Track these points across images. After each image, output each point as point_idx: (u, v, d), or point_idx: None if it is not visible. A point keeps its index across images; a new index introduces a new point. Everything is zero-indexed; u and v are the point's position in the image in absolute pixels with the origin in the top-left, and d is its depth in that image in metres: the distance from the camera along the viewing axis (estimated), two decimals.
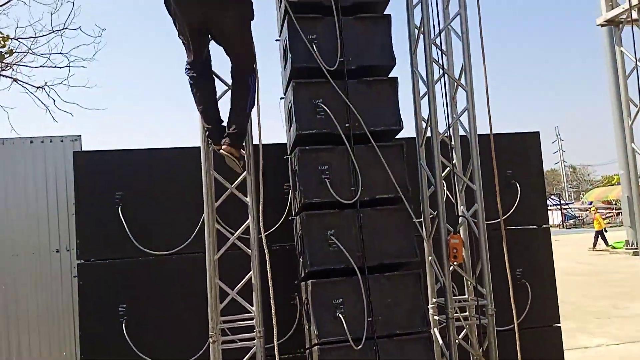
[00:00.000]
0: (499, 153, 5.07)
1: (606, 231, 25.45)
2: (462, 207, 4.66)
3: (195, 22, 3.56)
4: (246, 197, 4.09)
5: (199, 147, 4.15)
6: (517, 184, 5.42)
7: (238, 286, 4.00)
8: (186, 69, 3.86)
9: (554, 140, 68.15)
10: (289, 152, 4.61)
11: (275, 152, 4.79)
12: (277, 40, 4.75)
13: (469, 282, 4.68)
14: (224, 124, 3.94)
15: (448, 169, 4.66)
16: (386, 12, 4.46)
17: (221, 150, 3.81)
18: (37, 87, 10.32)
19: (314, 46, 4.13)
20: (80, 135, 5.27)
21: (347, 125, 4.10)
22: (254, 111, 4.00)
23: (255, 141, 4.10)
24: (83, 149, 5.40)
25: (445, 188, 4.64)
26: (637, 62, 5.36)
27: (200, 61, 3.84)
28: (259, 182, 3.99)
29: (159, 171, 4.73)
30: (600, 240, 24.50)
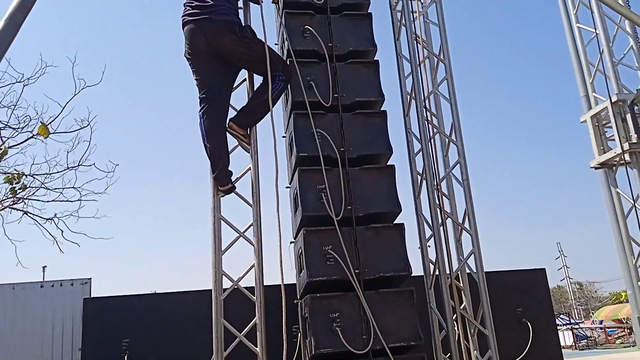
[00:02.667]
0: (507, 291, 5.05)
1: None
2: (475, 351, 4.57)
3: (202, 47, 4.13)
4: (255, 346, 4.03)
5: (208, 291, 4.18)
6: (529, 323, 5.37)
7: None
8: (200, 104, 4.21)
9: (557, 257, 67.47)
10: (298, 297, 4.62)
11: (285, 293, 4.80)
12: (287, 187, 4.99)
13: None
14: (231, 168, 4.26)
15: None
16: (390, 162, 4.72)
17: (227, 127, 4.20)
18: (47, 219, 10.50)
19: (323, 196, 4.33)
20: (90, 278, 5.31)
21: (356, 271, 4.16)
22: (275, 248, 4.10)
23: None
24: (93, 290, 5.41)
25: (456, 329, 4.60)
26: (635, 204, 5.56)
27: (212, 93, 4.19)
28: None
29: (167, 316, 4.72)
30: None
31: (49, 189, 11.18)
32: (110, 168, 10.58)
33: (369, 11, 5.02)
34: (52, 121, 10.58)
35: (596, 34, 6.16)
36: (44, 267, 20.95)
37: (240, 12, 4.51)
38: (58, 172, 11.28)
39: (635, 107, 5.60)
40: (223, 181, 4.24)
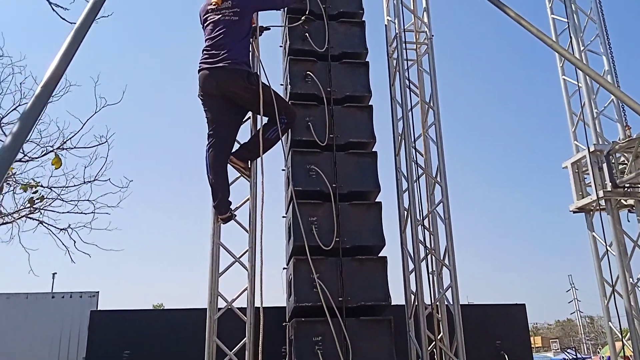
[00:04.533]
0: (487, 324, 5.36)
1: None
2: None
3: (214, 90, 4.59)
4: None
5: (204, 309, 4.58)
6: (507, 356, 5.66)
7: None
8: (208, 139, 4.65)
9: (568, 289, 66.23)
10: (287, 320, 4.99)
11: (275, 315, 5.18)
12: (283, 217, 5.40)
13: None
14: (231, 198, 4.66)
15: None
16: (378, 199, 5.11)
17: (229, 160, 4.64)
18: (61, 229, 11.00)
19: (314, 227, 4.73)
20: (98, 292, 5.73)
21: (340, 299, 4.53)
22: (257, 273, 4.47)
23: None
24: (100, 302, 5.84)
25: (435, 358, 4.92)
26: (608, 247, 5.87)
27: (219, 130, 4.63)
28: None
29: (165, 331, 5.11)
30: None
31: (64, 201, 11.73)
32: (125, 183, 11.12)
33: (366, 60, 5.48)
34: (72, 136, 11.16)
35: (579, 87, 6.57)
36: (54, 274, 21.46)
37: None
38: (74, 185, 11.84)
39: (612, 157, 5.97)
40: (222, 210, 4.66)
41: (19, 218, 11.01)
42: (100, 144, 11.21)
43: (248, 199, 4.87)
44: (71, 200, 11.81)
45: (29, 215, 11.49)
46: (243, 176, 4.90)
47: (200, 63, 4.71)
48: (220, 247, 4.69)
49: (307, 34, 5.45)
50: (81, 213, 11.63)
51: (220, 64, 4.58)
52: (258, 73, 4.92)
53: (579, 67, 4.24)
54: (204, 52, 4.73)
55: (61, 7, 4.72)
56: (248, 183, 4.93)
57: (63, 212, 11.56)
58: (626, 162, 6.01)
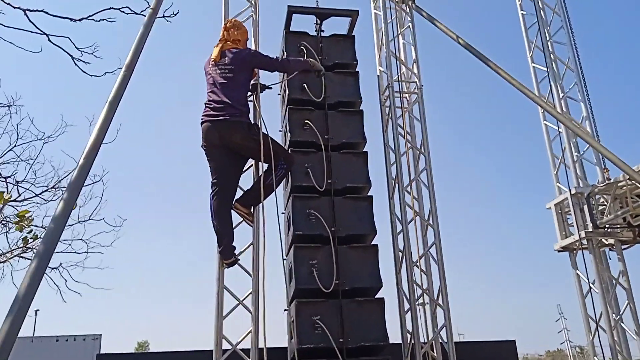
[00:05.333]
0: None
1: None
2: None
3: (216, 141, 4.83)
4: None
5: (209, 351, 4.73)
6: None
7: None
8: (211, 187, 4.87)
9: (557, 319, 65.96)
10: None
11: (277, 356, 5.32)
12: (284, 259, 5.60)
13: None
14: (234, 244, 4.87)
15: None
16: (374, 242, 5.36)
17: (233, 207, 4.87)
18: (52, 268, 11.01)
19: (314, 270, 4.95)
20: (101, 334, 5.85)
21: (340, 340, 4.73)
22: (261, 313, 4.65)
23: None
24: (102, 344, 5.93)
25: None
26: (591, 285, 6.17)
27: (222, 178, 4.86)
28: None
29: None
30: None
31: (58, 241, 11.75)
32: (118, 222, 11.22)
33: (361, 108, 5.80)
34: (66, 176, 11.30)
35: (559, 132, 6.98)
36: (36, 311, 21.18)
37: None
38: (69, 224, 11.91)
39: (592, 199, 6.33)
40: (227, 255, 4.86)
41: (11, 257, 11.02)
42: (94, 182, 11.36)
43: (251, 244, 5.09)
44: (65, 240, 11.86)
45: (21, 255, 11.51)
46: (246, 221, 5.12)
47: (202, 116, 4.96)
48: (225, 290, 4.88)
49: (304, 85, 5.76)
50: (74, 252, 11.68)
51: (221, 117, 4.84)
52: (258, 124, 5.20)
53: (559, 119, 4.60)
54: (206, 105, 4.97)
55: (83, 61, 4.88)
56: (250, 228, 5.16)
57: (56, 252, 11.58)
58: (605, 203, 6.37)
